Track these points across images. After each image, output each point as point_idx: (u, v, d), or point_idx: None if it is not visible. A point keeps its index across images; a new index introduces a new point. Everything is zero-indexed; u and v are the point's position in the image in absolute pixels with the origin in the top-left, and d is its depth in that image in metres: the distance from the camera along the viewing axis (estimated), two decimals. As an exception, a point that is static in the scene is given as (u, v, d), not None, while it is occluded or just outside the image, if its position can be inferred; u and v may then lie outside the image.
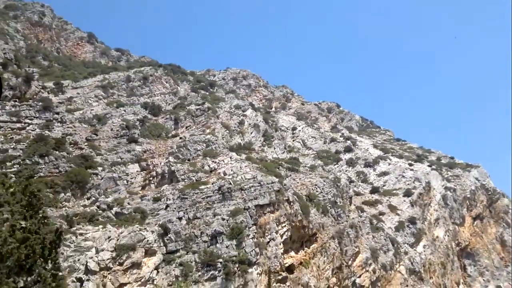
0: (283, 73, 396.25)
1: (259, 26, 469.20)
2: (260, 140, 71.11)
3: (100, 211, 36.49)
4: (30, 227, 14.05)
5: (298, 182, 53.82)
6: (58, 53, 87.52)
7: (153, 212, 37.93)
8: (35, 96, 48.22)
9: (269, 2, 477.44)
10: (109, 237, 31.44)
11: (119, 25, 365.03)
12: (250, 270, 33.58)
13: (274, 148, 72.00)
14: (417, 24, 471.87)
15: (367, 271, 51.44)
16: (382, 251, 56.76)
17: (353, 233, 52.13)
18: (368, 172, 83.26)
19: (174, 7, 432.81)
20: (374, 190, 75.61)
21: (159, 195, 40.67)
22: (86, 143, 45.65)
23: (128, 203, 38.72)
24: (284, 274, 38.68)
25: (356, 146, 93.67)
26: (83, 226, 32.61)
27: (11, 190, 15.09)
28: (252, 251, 34.64)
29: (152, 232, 34.16)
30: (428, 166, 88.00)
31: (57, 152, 39.40)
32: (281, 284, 37.90)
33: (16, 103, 44.59)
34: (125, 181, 43.14)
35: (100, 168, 41.70)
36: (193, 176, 43.98)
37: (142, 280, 30.74)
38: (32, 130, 42.05)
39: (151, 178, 46.09)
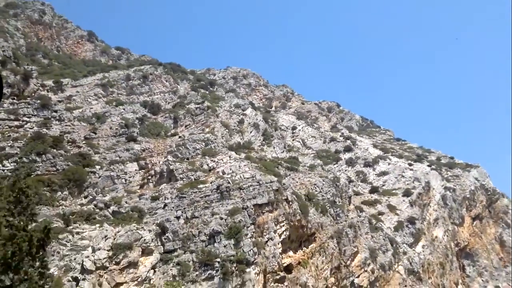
0: (284, 73, 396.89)
1: (259, 25, 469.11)
2: (260, 139, 70.91)
3: (97, 210, 36.29)
4: (17, 224, 13.76)
5: (297, 182, 53.55)
6: (58, 51, 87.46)
7: (151, 211, 37.73)
8: (33, 94, 48.14)
9: (269, 2, 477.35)
10: (105, 236, 31.23)
11: (119, 24, 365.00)
12: (248, 269, 33.38)
13: (274, 148, 71.79)
14: (417, 24, 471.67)
15: (366, 271, 51.26)
16: (381, 251, 56.58)
17: (352, 233, 51.98)
18: (367, 171, 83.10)
19: (175, 6, 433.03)
20: (374, 190, 75.47)
21: (157, 194, 40.46)
22: (84, 142, 45.47)
23: (126, 202, 38.54)
24: (282, 274, 38.46)
25: (356, 146, 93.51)
26: (79, 225, 32.40)
27: (-1, 186, 14.88)
28: (250, 250, 34.42)
29: (150, 231, 33.94)
30: (428, 166, 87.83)
31: (54, 150, 39.23)
32: (279, 284, 37.68)
33: (14, 100, 44.50)
34: (123, 180, 42.94)
35: (98, 167, 41.49)
36: (192, 175, 43.79)
37: (138, 280, 30.51)
38: (30, 128, 41.92)
39: (149, 177, 45.91)
